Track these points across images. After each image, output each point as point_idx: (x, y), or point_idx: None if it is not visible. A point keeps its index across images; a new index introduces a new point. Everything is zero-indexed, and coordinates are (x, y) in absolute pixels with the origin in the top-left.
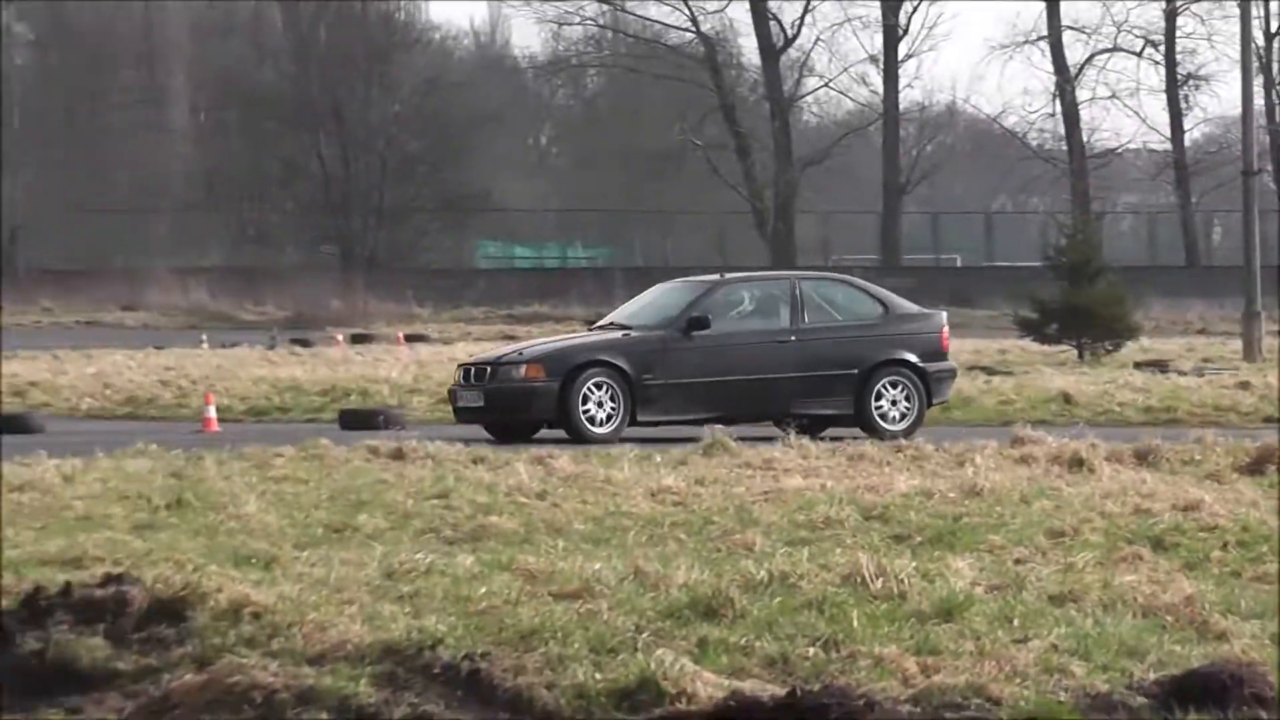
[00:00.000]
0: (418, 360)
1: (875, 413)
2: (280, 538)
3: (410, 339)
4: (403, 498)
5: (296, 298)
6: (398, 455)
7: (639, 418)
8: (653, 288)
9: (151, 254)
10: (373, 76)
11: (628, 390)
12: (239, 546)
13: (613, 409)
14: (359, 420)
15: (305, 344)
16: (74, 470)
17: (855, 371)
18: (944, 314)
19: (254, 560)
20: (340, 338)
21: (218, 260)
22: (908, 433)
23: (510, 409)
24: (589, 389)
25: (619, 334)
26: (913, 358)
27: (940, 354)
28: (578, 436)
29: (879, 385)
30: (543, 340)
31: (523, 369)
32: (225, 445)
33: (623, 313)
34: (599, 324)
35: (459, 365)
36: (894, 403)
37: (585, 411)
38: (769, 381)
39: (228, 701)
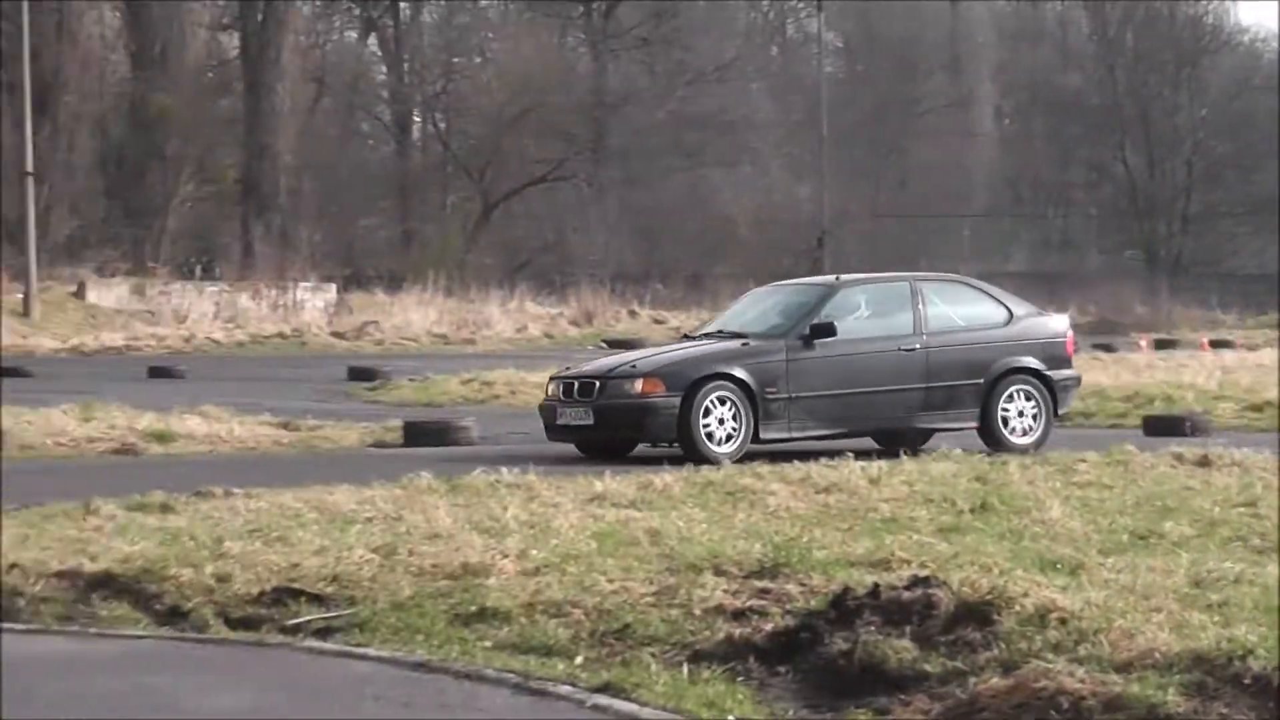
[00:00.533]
0: (1222, 366)
1: (1002, 426)
2: (1085, 543)
3: (1214, 345)
4: (1209, 505)
5: (1099, 303)
6: (1203, 462)
7: (761, 435)
8: (751, 292)
9: (955, 258)
10: (1180, 80)
11: (750, 406)
12: (1043, 551)
13: (734, 427)
14: (1164, 426)
15: (1108, 349)
16: (880, 473)
17: (980, 381)
18: (1067, 316)
19: (1059, 565)
20: (1144, 343)
21: (1021, 265)
22: (1036, 447)
23: (625, 427)
24: (710, 404)
25: (737, 343)
26: (1039, 365)
27: (1066, 360)
28: (698, 458)
29: (1005, 396)
30: (650, 351)
31: (639, 383)
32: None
33: (729, 319)
34: (702, 331)
35: (553, 378)
36: (1020, 414)
37: (706, 429)
38: (895, 394)
39: (1034, 706)
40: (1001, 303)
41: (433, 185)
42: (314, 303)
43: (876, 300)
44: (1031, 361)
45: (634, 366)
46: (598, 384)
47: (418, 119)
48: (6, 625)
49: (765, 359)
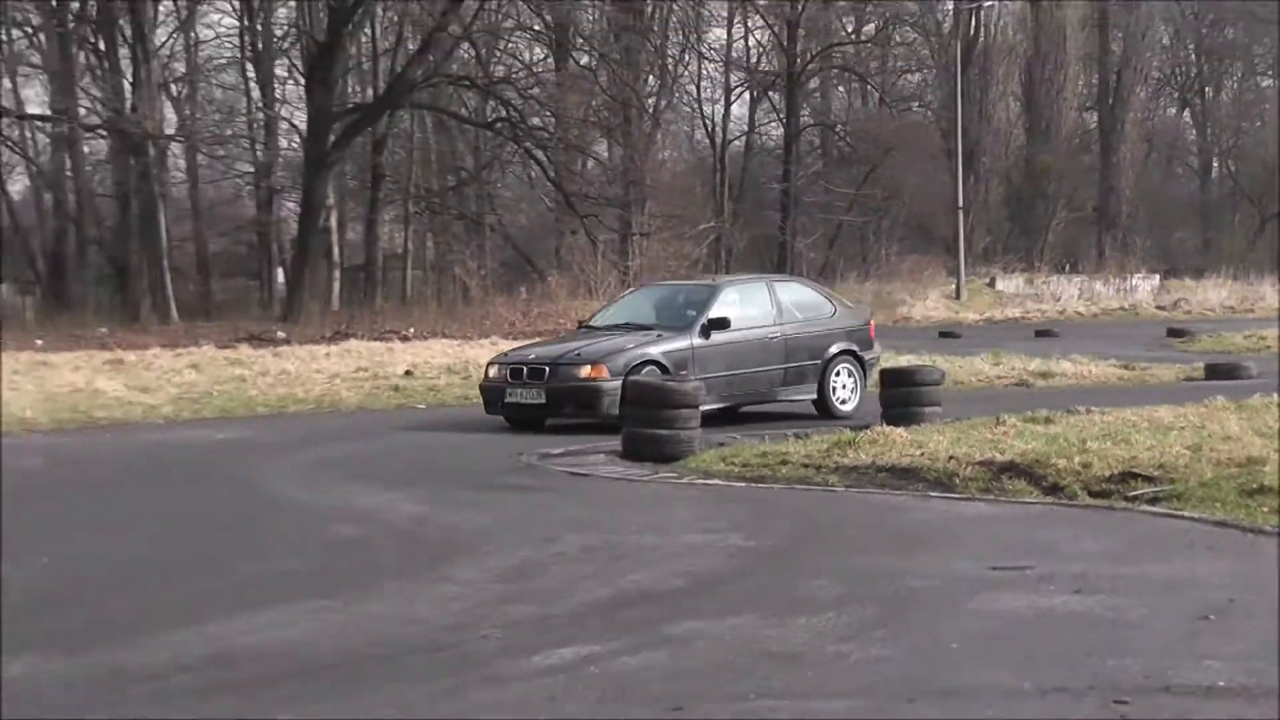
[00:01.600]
0: None
1: (833, 397)
2: None
3: None
4: None
5: None
6: None
7: None
8: (635, 290)
9: None
10: None
11: None
12: None
13: None
14: None
15: None
16: None
17: (818, 362)
18: (868, 307)
19: None
20: None
21: None
22: (854, 413)
23: (575, 405)
24: None
25: (652, 334)
26: (855, 347)
27: (870, 342)
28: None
29: (833, 373)
30: (583, 342)
31: (587, 369)
32: None
33: (626, 313)
34: (604, 322)
35: (496, 363)
36: (844, 386)
37: None
38: (765, 373)
39: None
40: (826, 298)
41: (1224, 208)
42: (1144, 287)
43: (745, 296)
44: (850, 345)
45: (579, 355)
46: (548, 369)
47: (1216, 164)
48: (944, 495)
49: (677, 347)
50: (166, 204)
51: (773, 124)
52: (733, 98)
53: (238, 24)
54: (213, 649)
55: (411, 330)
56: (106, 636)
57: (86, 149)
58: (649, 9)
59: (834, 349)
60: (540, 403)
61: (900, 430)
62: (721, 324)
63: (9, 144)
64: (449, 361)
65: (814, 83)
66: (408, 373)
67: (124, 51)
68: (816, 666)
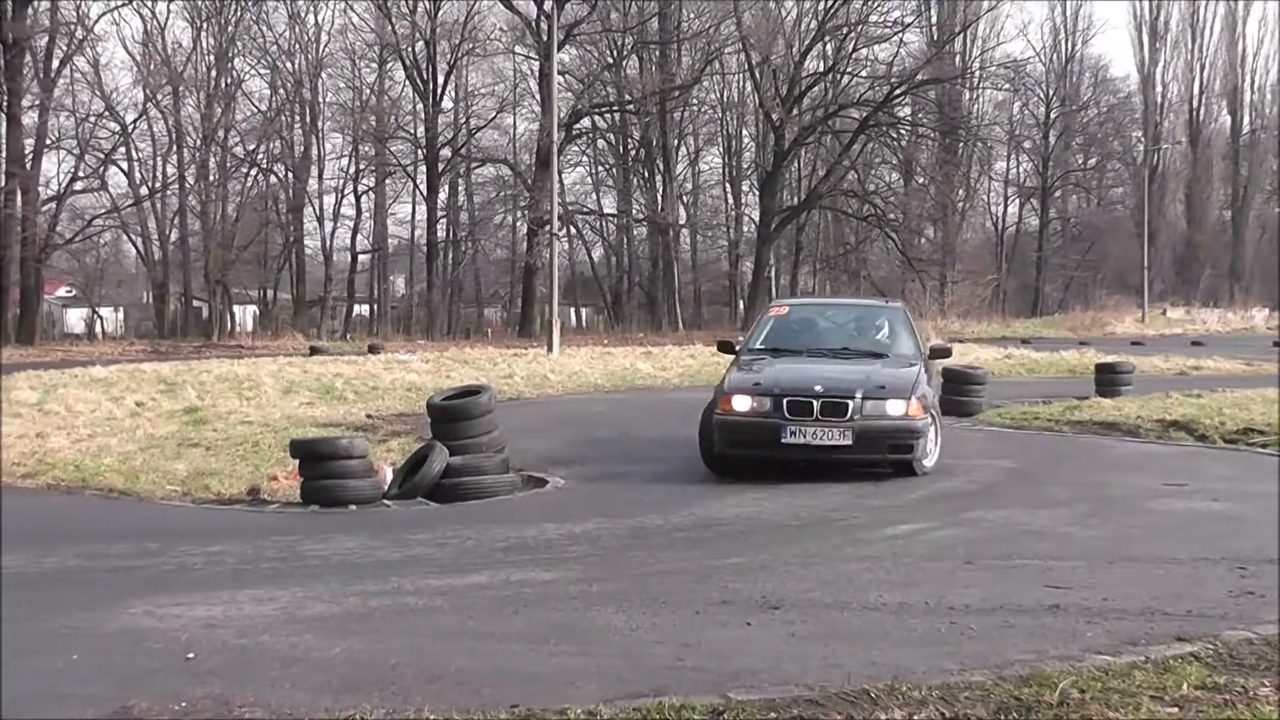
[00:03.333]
0: None
1: None
2: None
3: None
4: None
5: None
6: None
7: None
8: (799, 309)
9: None
10: None
11: None
12: None
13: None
14: None
15: None
16: None
17: None
18: None
19: None
20: None
21: None
22: None
23: (891, 448)
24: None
25: (902, 360)
26: None
27: None
28: (915, 467)
29: None
30: (857, 371)
31: (901, 404)
32: None
33: (811, 339)
34: (757, 345)
35: (742, 392)
36: None
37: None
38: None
39: None
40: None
41: None
42: (1259, 316)
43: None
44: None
45: (883, 387)
46: (850, 404)
47: None
48: (1133, 439)
49: (929, 376)
50: (678, 263)
51: (1032, 216)
52: (1009, 201)
53: (721, 161)
54: (698, 518)
55: None
56: (642, 510)
57: (635, 232)
58: (960, 149)
59: None
60: (847, 444)
61: (1107, 400)
62: (943, 352)
63: (592, 228)
64: None
65: (1058, 193)
66: None
67: (658, 179)
68: (1053, 540)
